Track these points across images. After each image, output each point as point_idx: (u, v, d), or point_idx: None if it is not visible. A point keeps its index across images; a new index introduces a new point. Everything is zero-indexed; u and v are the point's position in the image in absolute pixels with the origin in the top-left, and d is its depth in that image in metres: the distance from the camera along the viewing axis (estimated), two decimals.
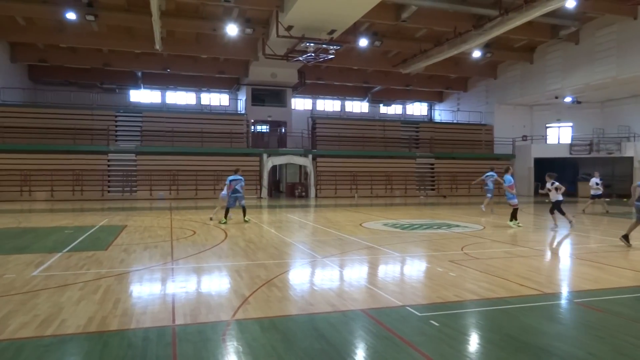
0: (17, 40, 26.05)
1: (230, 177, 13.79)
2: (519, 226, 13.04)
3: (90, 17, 21.42)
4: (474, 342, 4.46)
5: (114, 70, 30.05)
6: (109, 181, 26.85)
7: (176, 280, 6.75)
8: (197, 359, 3.94)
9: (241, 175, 13.95)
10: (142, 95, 34.09)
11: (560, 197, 12.69)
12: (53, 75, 30.64)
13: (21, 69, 29.34)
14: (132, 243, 10.10)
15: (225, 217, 13.68)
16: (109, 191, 26.42)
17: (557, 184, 12.66)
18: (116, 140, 28.31)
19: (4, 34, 24.91)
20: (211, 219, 14.64)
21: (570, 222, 12.71)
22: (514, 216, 13.30)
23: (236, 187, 13.65)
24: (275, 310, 5.30)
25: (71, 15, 21.61)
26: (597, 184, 18.09)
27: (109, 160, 27.07)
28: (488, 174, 18.32)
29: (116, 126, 28.74)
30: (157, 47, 23.93)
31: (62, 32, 24.88)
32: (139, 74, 31.71)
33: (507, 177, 13.62)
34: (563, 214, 12.74)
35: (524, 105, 34.85)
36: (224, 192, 14.06)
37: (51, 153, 25.70)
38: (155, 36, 22.62)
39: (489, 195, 18.04)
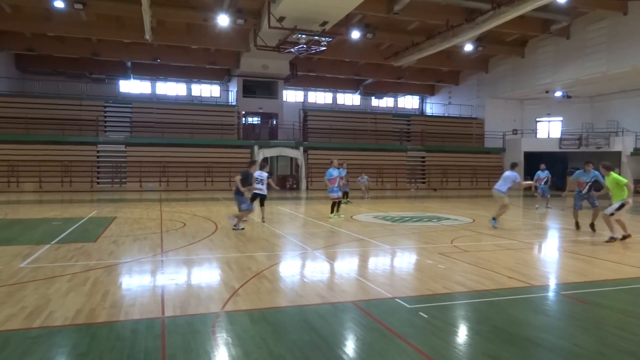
0: (4, 28, 25.51)
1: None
2: (340, 217, 13.19)
3: (78, 6, 21.09)
4: (462, 334, 4.50)
5: (103, 60, 29.69)
6: (98, 172, 26.63)
7: (166, 272, 6.72)
8: (186, 350, 3.93)
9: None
10: (131, 86, 33.76)
11: (264, 192, 11.67)
12: (41, 65, 30.21)
13: (8, 57, 28.89)
14: (122, 235, 10.03)
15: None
16: (98, 182, 26.20)
17: (266, 175, 11.70)
18: (105, 131, 28.06)
19: None
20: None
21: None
22: (333, 209, 13.15)
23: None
24: (265, 302, 5.30)
25: (59, 4, 21.28)
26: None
27: (98, 152, 26.84)
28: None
29: (105, 117, 28.47)
30: (147, 37, 23.67)
31: (50, 20, 24.50)
32: (129, 64, 31.37)
33: (330, 170, 13.17)
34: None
35: (514, 99, 35.04)
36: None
37: (39, 144, 25.42)
38: (145, 26, 22.35)
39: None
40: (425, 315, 4.85)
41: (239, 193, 10.96)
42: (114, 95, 32.29)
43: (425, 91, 41.06)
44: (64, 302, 5.17)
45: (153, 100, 32.12)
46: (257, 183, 11.68)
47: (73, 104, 27.66)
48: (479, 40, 27.62)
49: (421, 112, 41.73)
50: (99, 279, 6.21)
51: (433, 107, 41.14)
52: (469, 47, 27.96)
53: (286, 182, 29.80)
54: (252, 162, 12.05)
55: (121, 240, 9.37)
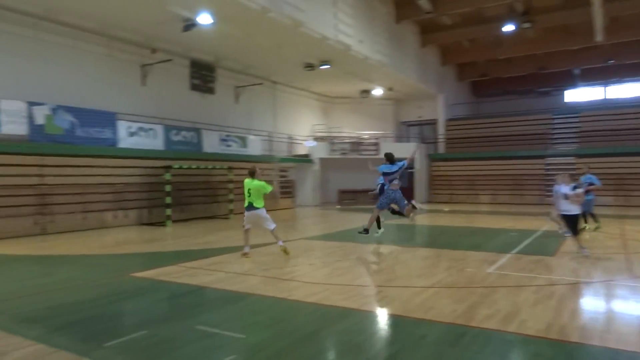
0: (462, 61, 29.74)
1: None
2: None
3: (526, 25, 21.88)
4: None
5: (548, 72, 29.65)
6: (546, 185, 26.55)
7: None
8: None
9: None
10: (578, 94, 32.03)
11: None
12: (492, 87, 33.16)
13: (465, 85, 33.27)
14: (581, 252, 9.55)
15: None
16: (547, 196, 26.10)
17: None
18: (553, 144, 27.73)
19: (453, 57, 28.98)
20: None
21: None
22: None
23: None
24: None
25: (509, 28, 22.69)
26: None
27: (546, 165, 26.80)
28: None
29: (553, 129, 28.16)
30: (598, 38, 21.91)
31: (500, 45, 26.57)
32: (576, 71, 29.97)
33: None
34: None
35: None
36: None
37: (492, 159, 27.76)
38: (595, 27, 20.80)
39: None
40: None
41: None
42: (560, 106, 31.51)
43: None
44: (533, 313, 5.36)
45: (604, 107, 29.33)
46: None
47: (521, 120, 28.82)
48: None
49: None
50: (565, 296, 6.10)
51: None
52: None
53: None
54: None
55: (581, 258, 8.92)
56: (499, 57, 28.17)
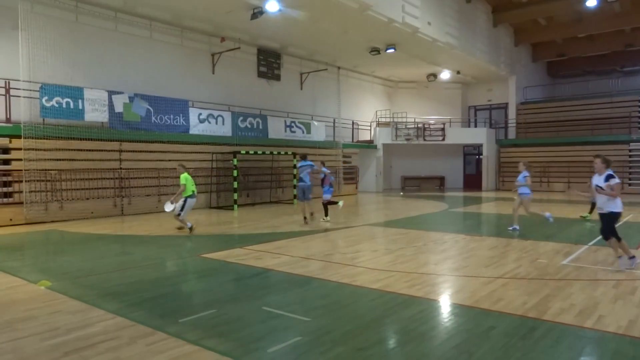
0: (538, 40, 28.02)
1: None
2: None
3: None
4: None
5: (636, 50, 27.25)
6: (629, 173, 24.66)
7: None
8: None
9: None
10: None
11: None
12: (570, 68, 31.04)
13: (541, 66, 31.36)
14: None
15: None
16: (629, 184, 24.25)
17: None
18: (639, 128, 25.60)
19: (527, 36, 27.43)
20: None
21: None
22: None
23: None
24: None
25: (591, 2, 21.06)
26: None
27: (630, 151, 24.83)
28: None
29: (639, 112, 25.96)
30: None
31: (580, 22, 24.76)
32: None
33: None
34: None
35: None
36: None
37: (568, 145, 26.11)
38: None
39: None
40: None
41: None
42: None
43: None
44: (613, 309, 5.04)
45: None
46: None
47: (603, 102, 26.80)
48: None
49: None
50: None
51: None
52: None
53: None
54: None
55: None
56: (579, 34, 26.28)
